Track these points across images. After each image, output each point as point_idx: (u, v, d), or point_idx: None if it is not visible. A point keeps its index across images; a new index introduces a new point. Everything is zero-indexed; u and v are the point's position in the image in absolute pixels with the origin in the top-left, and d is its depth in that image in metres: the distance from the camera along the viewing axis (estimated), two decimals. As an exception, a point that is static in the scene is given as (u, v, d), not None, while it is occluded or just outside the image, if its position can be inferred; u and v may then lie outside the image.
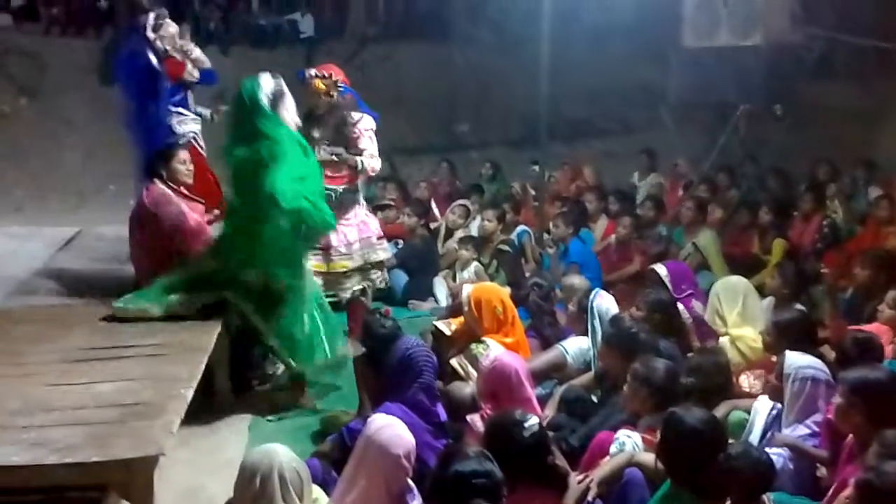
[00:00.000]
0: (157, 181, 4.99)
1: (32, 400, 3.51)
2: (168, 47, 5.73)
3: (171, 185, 5.03)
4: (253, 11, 15.17)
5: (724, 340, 4.70)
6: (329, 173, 5.47)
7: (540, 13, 7.25)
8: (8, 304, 5.05)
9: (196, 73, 5.70)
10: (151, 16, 5.78)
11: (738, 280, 5.09)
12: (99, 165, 11.01)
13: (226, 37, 14.01)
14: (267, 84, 4.57)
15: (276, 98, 4.56)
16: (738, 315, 4.78)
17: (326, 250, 5.58)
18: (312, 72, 5.56)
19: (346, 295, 5.75)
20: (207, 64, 6.00)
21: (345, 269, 5.65)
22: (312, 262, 5.49)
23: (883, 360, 3.89)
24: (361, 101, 5.78)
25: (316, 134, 5.54)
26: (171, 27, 5.77)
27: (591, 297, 4.65)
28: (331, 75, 5.59)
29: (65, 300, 5.11)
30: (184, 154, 5.22)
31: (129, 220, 5.14)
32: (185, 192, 5.12)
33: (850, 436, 3.24)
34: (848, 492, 2.77)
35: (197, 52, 6.02)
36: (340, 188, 5.64)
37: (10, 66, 12.47)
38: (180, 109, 5.75)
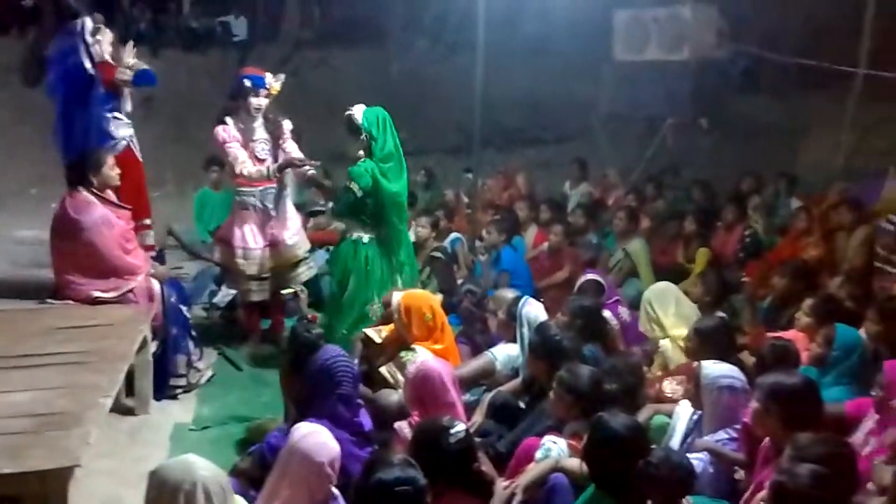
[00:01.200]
0: (80, 188, 4.85)
1: (-55, 410, 3.37)
2: (105, 53, 5.58)
3: (97, 191, 4.90)
4: (184, 13, 14.91)
5: (664, 343, 4.81)
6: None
7: (475, 22, 7.31)
8: (-80, 310, 4.83)
9: (128, 74, 5.54)
10: (89, 21, 5.62)
11: (665, 285, 5.26)
12: (20, 168, 10.66)
13: (156, 39, 13.75)
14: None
15: None
16: (674, 315, 4.92)
17: (276, 245, 5.65)
18: (269, 75, 5.64)
19: (297, 284, 5.83)
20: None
21: (295, 260, 5.75)
22: (267, 259, 5.62)
23: (798, 367, 4.02)
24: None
25: (259, 135, 5.59)
26: (108, 34, 5.64)
27: (520, 304, 4.70)
28: (280, 76, 5.72)
29: (-19, 306, 4.91)
30: (113, 159, 5.10)
31: (52, 226, 4.98)
32: (112, 198, 4.99)
33: (767, 439, 3.34)
34: (763, 494, 2.85)
35: (133, 60, 5.86)
36: (280, 185, 5.76)
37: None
38: (116, 114, 5.60)
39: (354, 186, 5.22)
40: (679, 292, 5.11)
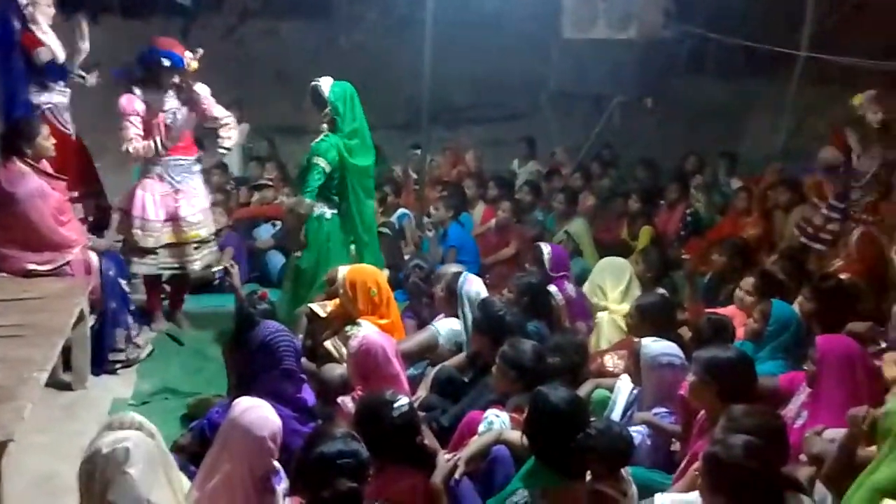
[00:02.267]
0: (14, 158, 4.70)
1: None
2: (40, 17, 5.35)
3: (31, 162, 4.74)
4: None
5: (602, 315, 4.89)
6: (181, 143, 5.44)
7: (425, -3, 7.25)
8: None
9: (44, 56, 5.30)
10: None
11: (624, 262, 5.38)
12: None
13: (96, 4, 13.29)
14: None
15: None
16: (620, 293, 5.02)
17: (176, 220, 5.45)
18: (189, 53, 5.40)
19: (195, 266, 5.64)
20: (56, 56, 5.52)
21: (196, 240, 5.54)
22: (164, 233, 5.43)
23: (734, 341, 4.13)
24: None
25: (169, 105, 5.40)
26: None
27: (460, 281, 4.71)
28: (197, 51, 5.47)
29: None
30: (48, 129, 4.94)
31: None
32: (47, 169, 4.84)
33: (702, 412, 3.42)
34: (698, 464, 2.92)
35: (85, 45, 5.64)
36: (193, 158, 5.58)
37: None
38: (44, 78, 5.40)
39: (321, 162, 5.11)
40: (633, 274, 5.21)
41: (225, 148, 5.76)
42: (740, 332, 4.29)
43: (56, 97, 5.49)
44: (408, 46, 11.88)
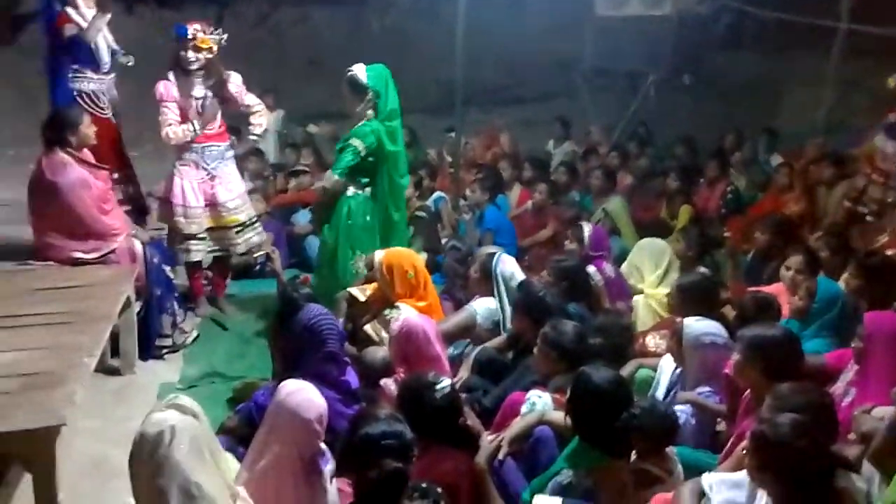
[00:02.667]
0: (57, 148, 4.77)
1: (-75, 371, 3.35)
2: (80, 2, 5.43)
3: (74, 152, 4.82)
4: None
5: (638, 299, 4.85)
6: (214, 130, 5.49)
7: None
8: None
9: (70, 31, 5.36)
10: None
11: (664, 244, 5.28)
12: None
13: (130, -5, 13.43)
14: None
15: None
16: (657, 276, 4.96)
17: (215, 206, 5.51)
18: (196, 25, 5.39)
19: (239, 250, 5.72)
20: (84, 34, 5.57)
21: (236, 224, 5.60)
22: (205, 218, 5.49)
23: (780, 320, 4.07)
24: None
25: (198, 92, 5.42)
26: None
27: (494, 261, 4.71)
28: (217, 30, 5.47)
29: (-40, 268, 4.87)
30: (89, 117, 5.01)
31: (28, 188, 4.91)
32: (89, 158, 4.91)
33: (748, 391, 3.38)
34: (744, 443, 2.90)
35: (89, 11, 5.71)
36: (225, 144, 5.62)
37: None
38: (78, 66, 5.47)
39: (358, 143, 5.09)
40: (674, 258, 5.13)
41: (255, 135, 5.79)
42: (785, 310, 4.23)
43: (91, 84, 5.55)
44: (439, 29, 11.85)
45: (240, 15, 14.31)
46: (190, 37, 5.30)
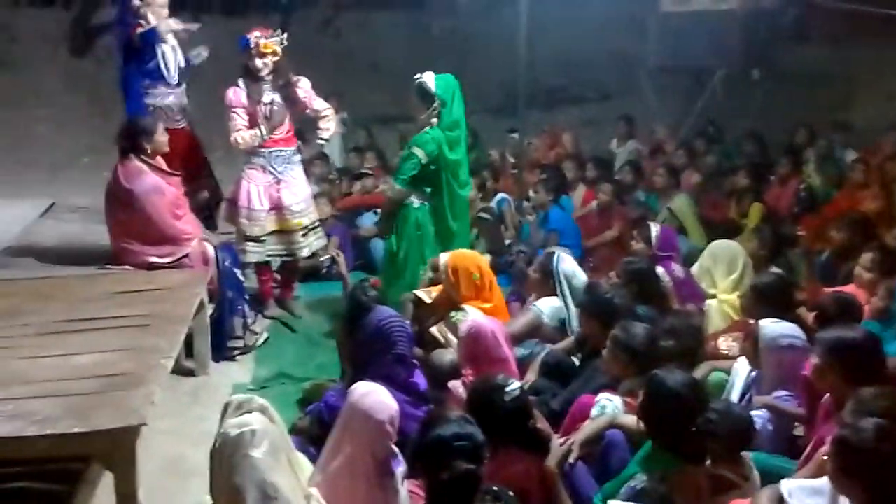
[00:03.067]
0: (132, 156, 4.92)
1: (10, 373, 3.48)
2: (151, 15, 5.59)
3: (147, 159, 4.96)
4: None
5: (711, 303, 4.74)
6: (281, 135, 5.56)
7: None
8: (-18, 277, 4.98)
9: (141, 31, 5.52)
10: None
11: (737, 247, 5.08)
12: (71, 137, 10.84)
13: (197, 3, 13.76)
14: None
15: None
16: (732, 282, 4.82)
17: (280, 209, 5.59)
18: (256, 33, 5.50)
19: (303, 253, 5.77)
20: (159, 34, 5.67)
21: (300, 227, 5.66)
22: (269, 222, 5.56)
23: (861, 321, 3.94)
24: None
25: (266, 97, 5.50)
26: None
27: (554, 260, 4.67)
28: (279, 33, 5.56)
29: (41, 272, 5.05)
30: (161, 125, 5.15)
31: (105, 194, 5.08)
32: (162, 165, 5.05)
33: (827, 395, 3.28)
34: (825, 449, 2.81)
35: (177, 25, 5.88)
36: (292, 148, 5.69)
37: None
38: (148, 81, 5.64)
39: (419, 152, 5.16)
40: (748, 261, 4.94)
41: (323, 139, 5.86)
42: (865, 310, 4.10)
43: (165, 99, 5.71)
44: (499, 30, 11.82)
45: (303, 21, 14.53)
46: (252, 45, 5.41)
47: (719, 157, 8.26)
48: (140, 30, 5.57)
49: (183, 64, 5.84)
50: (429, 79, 5.22)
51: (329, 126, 5.79)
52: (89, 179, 8.51)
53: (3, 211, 6.85)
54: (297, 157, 5.76)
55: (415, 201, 5.26)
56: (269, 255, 5.69)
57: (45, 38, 12.50)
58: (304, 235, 5.70)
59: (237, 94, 5.48)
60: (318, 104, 5.69)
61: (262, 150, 5.53)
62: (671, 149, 8.46)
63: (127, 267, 4.91)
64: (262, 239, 5.57)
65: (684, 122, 9.65)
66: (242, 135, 5.44)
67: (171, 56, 5.73)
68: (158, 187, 4.92)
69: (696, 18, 9.34)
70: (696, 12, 9.34)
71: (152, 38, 5.59)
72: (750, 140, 8.24)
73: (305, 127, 6.17)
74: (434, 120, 5.21)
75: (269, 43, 5.43)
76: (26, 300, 4.37)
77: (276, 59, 5.47)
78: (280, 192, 5.58)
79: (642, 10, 10.53)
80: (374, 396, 2.93)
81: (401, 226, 5.27)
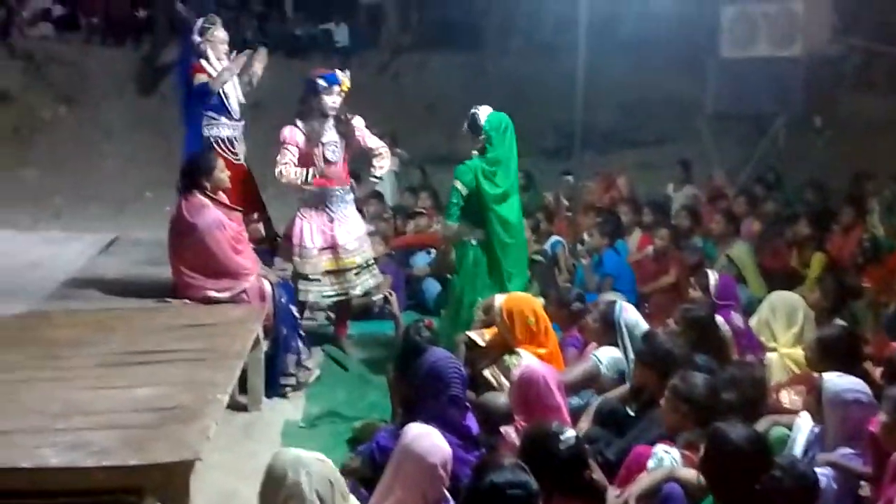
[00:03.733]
0: (195, 191, 5.03)
1: (70, 403, 3.54)
2: (211, 52, 5.75)
3: (210, 194, 5.07)
4: (288, 21, 15.32)
5: (772, 356, 4.62)
6: (335, 173, 5.63)
7: (575, 22, 7.24)
8: (48, 307, 5.10)
9: (200, 80, 5.65)
10: (200, 20, 5.85)
11: (797, 299, 4.91)
12: (137, 173, 11.19)
13: (261, 47, 14.16)
14: None
15: None
16: (792, 335, 4.67)
17: (334, 248, 5.64)
18: (338, 72, 5.64)
19: (357, 292, 5.78)
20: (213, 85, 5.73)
21: (354, 266, 5.68)
22: (323, 261, 5.60)
23: (930, 378, 3.80)
24: None
25: (328, 137, 5.59)
26: (221, 32, 5.79)
27: (617, 309, 4.59)
28: (346, 73, 5.70)
29: (103, 304, 5.16)
30: (223, 162, 5.26)
31: (169, 228, 5.20)
32: (224, 200, 5.16)
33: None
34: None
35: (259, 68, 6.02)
36: (347, 187, 5.76)
37: (50, 75, 12.71)
38: (212, 113, 5.76)
39: (458, 184, 5.22)
40: (809, 312, 4.77)
41: (376, 177, 5.91)
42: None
43: (225, 131, 5.82)
44: (555, 73, 11.88)
45: (362, 63, 14.84)
46: (339, 82, 5.54)
47: (779, 205, 8.11)
48: (199, 77, 5.68)
49: (242, 99, 5.96)
50: (483, 112, 5.28)
51: (383, 164, 5.84)
52: (153, 213, 8.76)
53: (69, 244, 7.05)
54: (351, 196, 5.81)
55: (472, 240, 5.26)
56: (324, 296, 5.72)
57: (114, 77, 12.99)
58: (357, 274, 5.71)
59: (293, 132, 5.56)
60: (373, 142, 5.76)
61: (317, 189, 5.58)
62: (730, 194, 8.34)
63: (186, 300, 5.00)
64: (315, 278, 5.60)
65: (743, 169, 9.52)
66: (288, 169, 5.50)
67: (231, 91, 5.85)
68: (220, 222, 5.00)
69: (757, 64, 9.26)
70: (757, 58, 9.26)
71: (205, 91, 5.71)
72: (811, 188, 8.08)
73: (359, 166, 6.26)
74: (475, 153, 5.24)
75: (347, 83, 5.58)
76: (89, 331, 4.46)
77: (343, 97, 5.58)
78: (334, 231, 5.62)
79: (701, 56, 10.48)
80: (429, 439, 2.90)
81: (459, 264, 5.27)
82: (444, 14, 16.30)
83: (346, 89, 5.58)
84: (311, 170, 5.53)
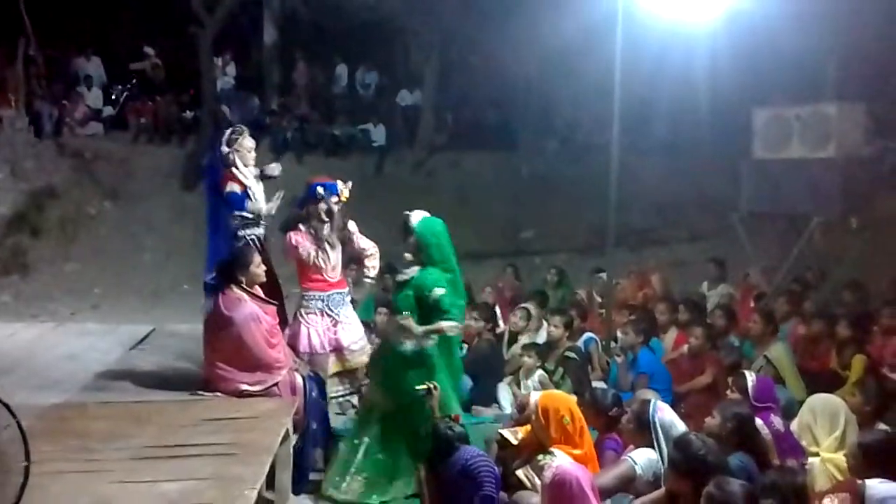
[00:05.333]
0: (233, 286, 5.12)
1: (99, 497, 3.54)
2: (239, 160, 5.90)
3: (247, 289, 5.16)
4: (328, 122, 15.83)
5: (814, 461, 4.47)
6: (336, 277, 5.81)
7: (609, 122, 7.37)
8: (83, 399, 5.15)
9: (233, 188, 5.77)
10: (228, 131, 6.05)
11: (839, 402, 4.80)
12: (175, 266, 11.39)
13: (301, 146, 14.62)
14: None
15: None
16: (835, 440, 4.54)
17: (339, 350, 5.73)
18: (339, 182, 5.83)
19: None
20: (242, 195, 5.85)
21: (362, 365, 5.75)
22: (331, 364, 5.67)
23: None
24: None
25: (334, 241, 5.76)
26: (248, 141, 5.96)
27: (651, 409, 4.49)
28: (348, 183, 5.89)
29: (138, 397, 5.19)
30: (258, 257, 5.35)
31: (205, 322, 5.26)
32: (260, 294, 5.23)
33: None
34: None
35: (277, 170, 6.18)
36: (346, 290, 5.91)
37: (98, 172, 13.18)
38: (243, 213, 5.88)
39: (439, 292, 5.03)
40: (851, 416, 4.66)
41: (370, 277, 6.06)
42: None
43: (256, 230, 5.93)
44: (588, 171, 12.05)
45: (400, 160, 15.21)
46: (339, 192, 5.74)
47: (819, 306, 7.99)
48: (231, 185, 5.78)
49: (273, 212, 6.07)
50: (415, 216, 5.21)
51: (375, 264, 6.00)
52: (188, 306, 8.87)
53: (106, 335, 7.16)
54: (349, 298, 5.95)
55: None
56: (333, 397, 5.74)
57: (158, 173, 13.42)
58: (366, 374, 5.75)
59: (302, 235, 5.71)
60: (364, 242, 5.94)
61: (320, 293, 5.73)
62: (766, 293, 8.25)
63: (218, 393, 5.01)
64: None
65: (779, 268, 9.44)
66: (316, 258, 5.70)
67: (259, 193, 5.98)
68: (256, 315, 5.08)
69: (791, 165, 9.31)
70: (791, 159, 9.32)
71: (236, 200, 5.83)
72: (849, 289, 7.97)
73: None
74: (407, 255, 5.18)
75: (347, 192, 5.79)
76: (122, 424, 4.49)
77: (342, 204, 5.76)
78: (338, 335, 5.75)
79: (733, 156, 10.58)
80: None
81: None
82: (479, 114, 16.76)
83: (345, 199, 5.76)
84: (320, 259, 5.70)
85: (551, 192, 13.98)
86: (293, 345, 5.69)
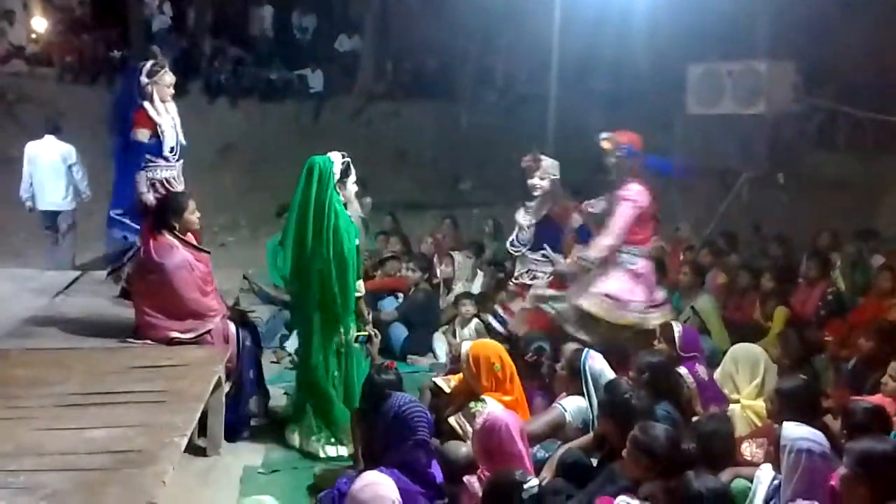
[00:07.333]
0: (164, 231, 5.00)
1: (23, 444, 3.47)
2: (157, 94, 5.70)
3: (179, 235, 5.04)
4: (264, 66, 15.43)
5: (734, 408, 4.64)
6: None
7: (547, 77, 7.37)
8: (6, 345, 5.00)
9: (142, 136, 5.62)
10: (149, 62, 5.80)
11: (759, 351, 4.98)
12: (104, 211, 11.01)
13: (236, 90, 14.24)
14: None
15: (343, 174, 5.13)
16: (755, 387, 4.72)
17: None
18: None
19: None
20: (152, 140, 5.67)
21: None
22: None
23: (891, 432, 3.83)
24: None
25: None
26: (168, 76, 5.74)
27: (583, 357, 4.60)
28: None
29: (64, 344, 5.07)
30: (193, 203, 5.22)
31: (134, 268, 5.12)
32: (192, 241, 5.12)
33: (855, 508, 3.17)
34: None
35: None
36: None
37: (21, 113, 12.62)
38: (149, 156, 5.69)
39: None
40: (770, 364, 4.85)
41: None
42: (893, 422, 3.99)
43: (162, 172, 5.74)
44: (527, 124, 12.06)
45: (338, 108, 14.97)
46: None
47: (744, 258, 8.23)
48: (140, 134, 5.58)
49: (184, 142, 5.91)
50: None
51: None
52: (118, 252, 8.59)
53: (31, 280, 6.94)
54: None
55: None
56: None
57: (87, 115, 12.89)
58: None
59: None
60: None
61: None
62: (695, 247, 8.46)
63: (148, 341, 4.93)
64: None
65: (708, 222, 9.67)
66: None
67: (170, 134, 5.77)
68: (189, 263, 4.98)
69: (723, 121, 9.47)
70: (724, 115, 9.48)
71: (141, 147, 5.62)
72: (775, 242, 8.22)
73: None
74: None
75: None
76: (47, 370, 4.38)
77: None
78: None
79: (669, 111, 10.71)
80: (374, 489, 2.88)
81: None
82: (418, 64, 16.55)
83: None
84: None
85: (489, 143, 13.96)
86: None
